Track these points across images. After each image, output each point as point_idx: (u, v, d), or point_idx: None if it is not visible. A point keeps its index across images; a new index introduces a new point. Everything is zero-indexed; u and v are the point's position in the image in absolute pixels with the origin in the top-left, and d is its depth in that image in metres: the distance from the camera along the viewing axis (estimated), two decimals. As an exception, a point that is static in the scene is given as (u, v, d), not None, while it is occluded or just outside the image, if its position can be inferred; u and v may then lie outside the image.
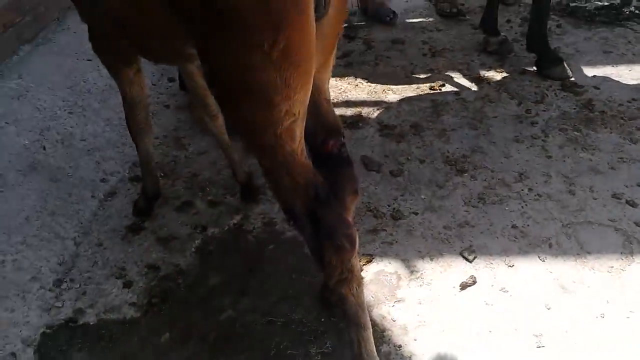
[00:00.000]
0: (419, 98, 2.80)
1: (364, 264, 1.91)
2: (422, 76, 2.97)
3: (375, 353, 1.42)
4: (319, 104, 1.34)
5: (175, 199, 2.23)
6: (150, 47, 1.47)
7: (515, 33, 3.29)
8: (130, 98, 1.83)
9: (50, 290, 1.83)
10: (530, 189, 2.18)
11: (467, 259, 1.91)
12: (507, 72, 2.94)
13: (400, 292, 1.81)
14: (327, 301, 1.71)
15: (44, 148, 2.26)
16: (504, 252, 1.92)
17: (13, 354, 1.62)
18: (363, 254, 1.95)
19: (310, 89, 1.15)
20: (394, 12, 3.47)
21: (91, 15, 1.61)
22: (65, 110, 2.46)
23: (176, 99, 2.80)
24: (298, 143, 1.16)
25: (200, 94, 1.96)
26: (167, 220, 2.13)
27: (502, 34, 3.13)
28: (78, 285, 1.87)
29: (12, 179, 2.08)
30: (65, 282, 1.88)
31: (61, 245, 1.97)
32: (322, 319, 1.73)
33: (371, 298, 1.79)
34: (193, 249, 2.00)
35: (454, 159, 2.37)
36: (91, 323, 1.76)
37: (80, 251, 2.00)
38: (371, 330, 1.40)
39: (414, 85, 2.90)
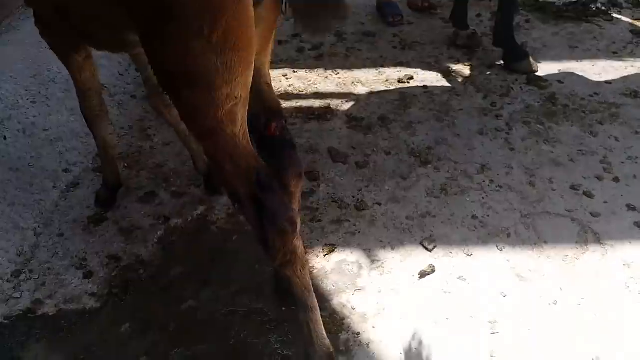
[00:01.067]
0: (387, 91, 2.82)
1: (326, 254, 1.93)
2: (391, 69, 2.99)
3: (325, 334, 1.45)
4: (260, 88, 1.36)
5: (139, 189, 2.22)
6: (91, 33, 1.46)
7: (485, 27, 3.33)
8: (82, 84, 1.80)
9: (8, 281, 1.81)
10: (491, 181, 2.22)
11: (427, 249, 1.94)
12: (474, 66, 2.97)
13: (360, 281, 1.83)
14: (284, 290, 1.73)
15: (5, 138, 2.22)
16: (464, 241, 1.96)
17: (-33, 345, 1.60)
18: (326, 244, 1.97)
19: (252, 73, 1.16)
20: (401, 15, 3.39)
21: (44, 6, 1.57)
22: (27, 99, 2.42)
23: (143, 89, 2.77)
24: (240, 127, 1.17)
25: (155, 84, 1.92)
26: (130, 211, 2.12)
27: (471, 28, 3.16)
28: (37, 276, 1.85)
29: (-30, 168, 2.04)
30: (24, 272, 1.86)
31: (20, 236, 1.94)
32: (283, 308, 1.75)
33: (332, 287, 1.81)
34: (155, 240, 2.00)
35: (419, 151, 2.40)
36: (50, 314, 1.74)
37: (40, 242, 1.97)
38: (319, 311, 1.43)
39: (383, 78, 2.92)
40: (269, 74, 1.42)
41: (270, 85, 1.41)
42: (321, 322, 1.43)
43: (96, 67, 1.82)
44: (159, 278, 1.86)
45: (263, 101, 1.38)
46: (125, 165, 2.35)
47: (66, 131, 2.40)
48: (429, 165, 2.32)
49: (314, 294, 1.40)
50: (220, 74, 1.07)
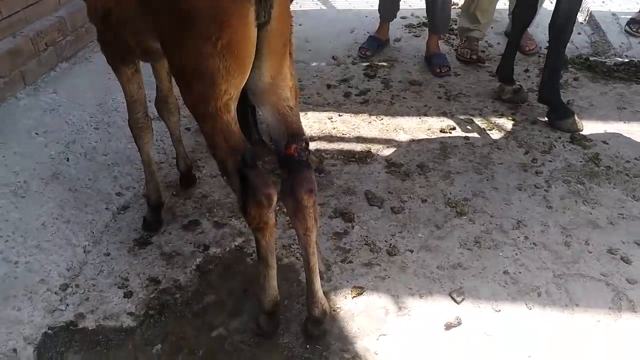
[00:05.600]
0: (428, 139, 2.88)
1: (354, 296, 1.97)
2: (434, 118, 3.06)
3: (276, 287, 1.75)
4: (282, 111, 1.57)
5: (184, 217, 2.35)
6: (127, 40, 1.68)
7: (532, 83, 3.37)
8: (129, 96, 2.01)
9: (56, 293, 1.94)
10: (526, 237, 2.21)
11: (455, 300, 1.95)
12: (518, 121, 3.00)
13: (385, 327, 1.86)
14: (310, 333, 1.81)
15: (68, 160, 2.42)
16: (493, 296, 1.96)
17: (14, 350, 1.72)
18: (355, 286, 2.01)
19: (245, 79, 1.42)
20: (448, 67, 3.48)
21: (88, 9, 1.82)
22: (91, 125, 2.63)
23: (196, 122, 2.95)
24: (232, 115, 1.45)
25: (164, 93, 2.27)
26: (173, 236, 2.24)
27: (517, 83, 3.20)
28: (82, 291, 1.98)
29: (34, 186, 2.23)
30: (71, 287, 1.99)
31: (71, 252, 2.09)
32: (307, 346, 1.79)
33: (357, 330, 1.85)
34: (194, 267, 2.10)
35: (455, 201, 2.43)
36: (90, 328, 1.86)
37: (88, 259, 2.12)
38: (275, 269, 1.72)
39: (426, 127, 2.99)
40: (292, 97, 1.58)
41: (292, 108, 1.58)
42: (275, 277, 1.74)
43: (143, 81, 2.02)
44: (193, 304, 1.95)
45: (285, 123, 1.58)
46: (174, 193, 2.49)
47: (123, 157, 2.58)
48: (464, 217, 2.34)
49: (275, 256, 1.70)
50: (221, 74, 1.34)
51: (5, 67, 2.48)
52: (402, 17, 4.20)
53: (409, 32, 4.06)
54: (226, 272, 2.08)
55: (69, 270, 2.04)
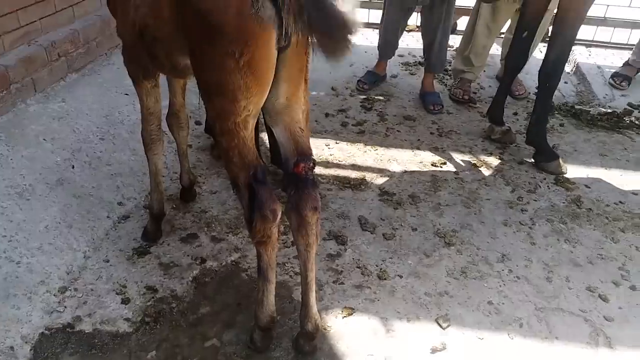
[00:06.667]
0: (420, 172, 3.01)
1: (344, 316, 2.05)
2: (426, 152, 3.20)
3: (273, 303, 1.81)
4: (294, 132, 1.67)
5: (182, 230, 2.41)
6: (158, 55, 1.78)
7: (520, 126, 3.53)
8: (146, 108, 2.11)
9: (55, 295, 1.98)
10: (510, 270, 2.32)
11: (440, 326, 2.03)
12: (506, 160, 3.15)
13: (373, 347, 1.93)
14: (301, 349, 1.87)
15: (73, 167, 2.48)
16: (477, 324, 2.05)
17: (12, 348, 1.76)
18: (345, 307, 2.09)
19: (264, 98, 1.51)
20: (441, 105, 3.63)
21: (123, 25, 1.92)
22: (97, 135, 2.71)
23: (199, 140, 3.05)
24: (249, 132, 1.54)
25: (176, 108, 2.39)
26: (172, 248, 2.31)
27: (506, 124, 3.37)
28: (80, 295, 2.02)
29: (40, 190, 2.28)
30: (70, 290, 2.03)
31: (72, 256, 2.14)
32: (298, 361, 1.86)
33: (345, 349, 1.92)
34: (190, 278, 2.16)
35: (444, 232, 2.53)
36: (86, 331, 1.90)
37: (88, 264, 2.17)
38: (274, 285, 1.79)
39: (418, 159, 3.12)
40: (303, 120, 1.68)
41: (303, 130, 1.68)
42: (273, 293, 1.79)
43: (160, 95, 2.12)
44: (189, 314, 2.01)
45: (295, 143, 1.68)
46: (174, 206, 2.56)
47: (126, 168, 2.65)
48: (452, 247, 2.44)
49: (275, 271, 1.77)
50: (242, 90, 1.43)
51: (18, 74, 2.56)
52: (400, 55, 4.38)
53: (406, 70, 4.24)
54: (221, 286, 2.14)
55: (68, 274, 2.08)
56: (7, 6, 2.53)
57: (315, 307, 1.83)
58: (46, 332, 1.87)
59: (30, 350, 1.79)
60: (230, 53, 1.38)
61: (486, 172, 3.03)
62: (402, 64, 4.32)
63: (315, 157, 2.75)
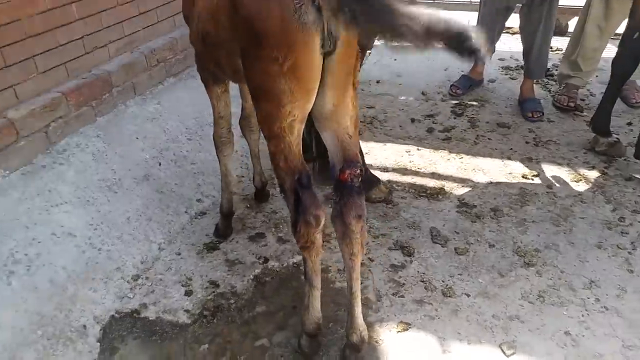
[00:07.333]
0: (507, 183, 2.78)
1: (399, 331, 1.96)
2: (517, 163, 2.95)
3: (319, 309, 1.80)
4: (341, 138, 1.64)
5: (252, 229, 2.48)
6: (220, 60, 1.84)
7: (633, 137, 3.12)
8: (217, 112, 2.21)
9: (127, 282, 2.15)
10: (597, 299, 2.05)
11: (504, 352, 1.85)
12: (610, 175, 2.80)
13: (425, 367, 1.82)
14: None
15: (160, 164, 2.67)
16: (547, 356, 1.84)
17: (84, 326, 1.93)
18: (401, 321, 1.99)
19: (310, 102, 1.50)
20: (542, 112, 3.36)
21: (191, 33, 2.02)
22: (185, 136, 2.89)
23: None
24: (295, 137, 1.53)
25: (247, 112, 2.45)
26: (239, 245, 2.38)
27: (615, 135, 2.99)
28: (150, 284, 2.17)
29: (127, 184, 2.49)
30: (141, 278, 2.19)
31: (147, 247, 2.31)
32: (343, 372, 1.81)
33: (395, 364, 1.83)
34: (252, 276, 2.21)
35: (525, 250, 2.32)
36: (150, 318, 2.03)
37: (161, 255, 2.32)
38: (319, 291, 1.77)
39: (507, 170, 2.89)
40: (351, 126, 1.64)
41: (351, 136, 1.65)
42: (319, 299, 1.79)
43: (230, 100, 2.22)
44: (245, 311, 2.05)
45: (342, 150, 1.65)
46: (248, 205, 2.65)
47: (209, 168, 2.79)
48: (532, 268, 2.22)
49: (319, 277, 1.76)
50: (286, 95, 1.44)
51: (120, 79, 2.83)
52: (500, 59, 4.12)
53: (505, 74, 3.97)
54: (280, 286, 2.17)
55: (142, 263, 2.24)
56: (113, 18, 2.80)
57: (361, 318, 1.77)
58: (116, 315, 2.03)
59: (100, 330, 1.96)
60: (274, 58, 1.39)
61: (584, 187, 2.72)
62: (502, 67, 4.05)
63: (393, 163, 2.70)
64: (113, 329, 1.98)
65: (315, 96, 1.51)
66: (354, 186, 1.63)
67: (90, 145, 2.55)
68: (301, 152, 1.59)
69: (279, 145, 1.54)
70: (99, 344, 1.91)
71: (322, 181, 2.57)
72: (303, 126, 1.57)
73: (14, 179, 2.25)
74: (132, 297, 2.11)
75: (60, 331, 1.88)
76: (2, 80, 2.22)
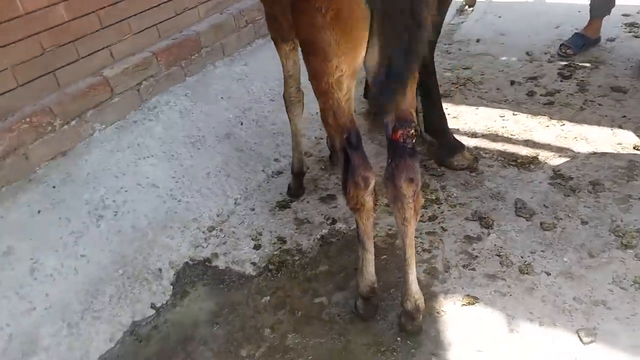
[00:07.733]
0: (614, 155, 2.46)
1: (463, 304, 1.85)
2: (630, 133, 2.59)
3: (373, 271, 1.77)
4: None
5: (324, 190, 2.48)
6: (277, 16, 1.85)
7: None
8: (286, 70, 2.22)
9: (203, 232, 2.27)
10: None
11: (581, 339, 1.67)
12: None
13: (486, 344, 1.70)
14: (403, 326, 1.77)
15: (242, 123, 2.75)
16: (633, 348, 1.62)
17: (160, 270, 2.08)
18: (468, 295, 1.88)
19: (357, 56, 1.43)
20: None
21: None
22: (268, 97, 2.93)
23: (356, 104, 3.04)
24: (344, 93, 1.48)
25: (293, 80, 2.30)
26: (309, 205, 2.39)
27: None
28: (223, 235, 2.27)
29: (209, 141, 2.60)
30: (216, 230, 2.30)
31: (224, 201, 2.40)
32: (399, 338, 1.76)
33: (455, 338, 1.73)
34: (318, 236, 2.22)
35: (625, 231, 2.04)
36: (220, 267, 2.13)
37: (236, 210, 2.40)
38: (373, 254, 1.74)
39: (616, 140, 2.55)
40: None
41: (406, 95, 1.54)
42: (372, 261, 1.75)
43: (299, 58, 2.17)
44: (308, 269, 2.07)
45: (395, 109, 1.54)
46: (322, 167, 2.64)
47: (288, 129, 2.79)
48: (630, 250, 1.96)
49: (372, 240, 1.72)
50: (332, 48, 1.38)
51: (210, 39, 2.92)
52: (625, 15, 3.60)
53: (629, 32, 3.46)
54: (344, 248, 2.15)
55: (218, 216, 2.35)
56: (205, -21, 2.89)
57: (416, 284, 1.70)
58: (189, 262, 2.16)
59: (174, 275, 2.10)
60: (317, 8, 1.35)
61: None
62: (625, 24, 3.54)
63: (484, 128, 2.52)
64: (186, 274, 2.11)
65: (364, 51, 1.43)
66: (407, 147, 1.54)
67: (178, 103, 2.70)
68: (352, 109, 1.53)
69: (327, 101, 1.50)
70: (172, 287, 2.06)
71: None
72: (354, 83, 1.50)
73: (108, 132, 2.46)
74: (205, 246, 2.22)
75: (139, 272, 2.05)
76: (98, 41, 2.41)
